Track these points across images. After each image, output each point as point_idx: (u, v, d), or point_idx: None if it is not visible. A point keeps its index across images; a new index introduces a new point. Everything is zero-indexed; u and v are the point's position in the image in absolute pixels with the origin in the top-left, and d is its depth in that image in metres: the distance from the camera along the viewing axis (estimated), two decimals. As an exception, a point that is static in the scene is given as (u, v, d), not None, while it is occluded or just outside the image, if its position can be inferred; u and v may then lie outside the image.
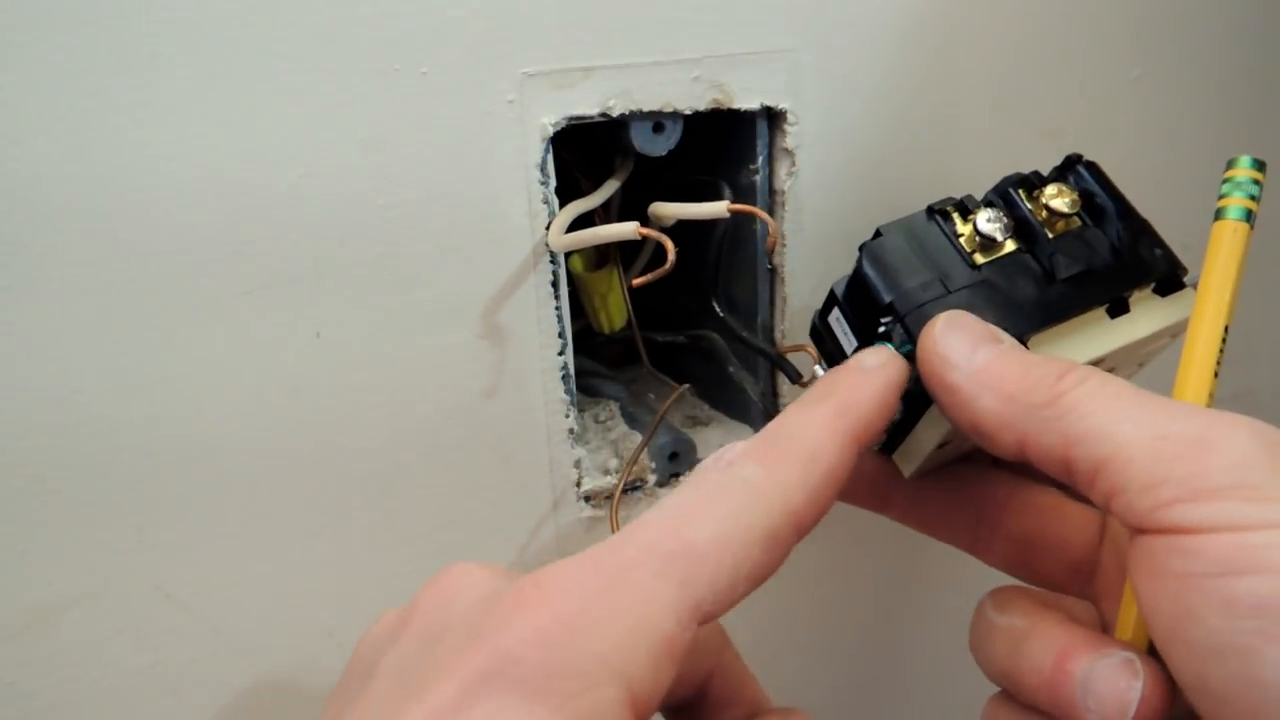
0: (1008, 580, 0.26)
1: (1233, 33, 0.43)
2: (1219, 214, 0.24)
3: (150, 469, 0.28)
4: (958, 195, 0.27)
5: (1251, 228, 0.24)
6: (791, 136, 0.33)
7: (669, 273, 0.28)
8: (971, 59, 0.36)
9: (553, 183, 0.31)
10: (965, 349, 0.22)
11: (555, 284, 0.31)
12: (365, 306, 0.29)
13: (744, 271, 0.36)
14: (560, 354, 0.32)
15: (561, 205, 0.31)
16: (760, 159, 0.34)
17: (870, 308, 0.25)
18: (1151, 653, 0.21)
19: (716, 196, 0.36)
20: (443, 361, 0.31)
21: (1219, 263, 0.24)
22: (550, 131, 0.30)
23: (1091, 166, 0.26)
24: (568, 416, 0.33)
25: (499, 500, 0.33)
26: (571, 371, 0.33)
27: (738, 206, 0.30)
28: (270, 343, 0.28)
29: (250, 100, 0.26)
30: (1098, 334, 0.25)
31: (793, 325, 0.36)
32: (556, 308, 0.32)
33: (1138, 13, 0.40)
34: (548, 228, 0.30)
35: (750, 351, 0.35)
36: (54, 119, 0.24)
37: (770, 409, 0.34)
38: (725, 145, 0.35)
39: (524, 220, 0.30)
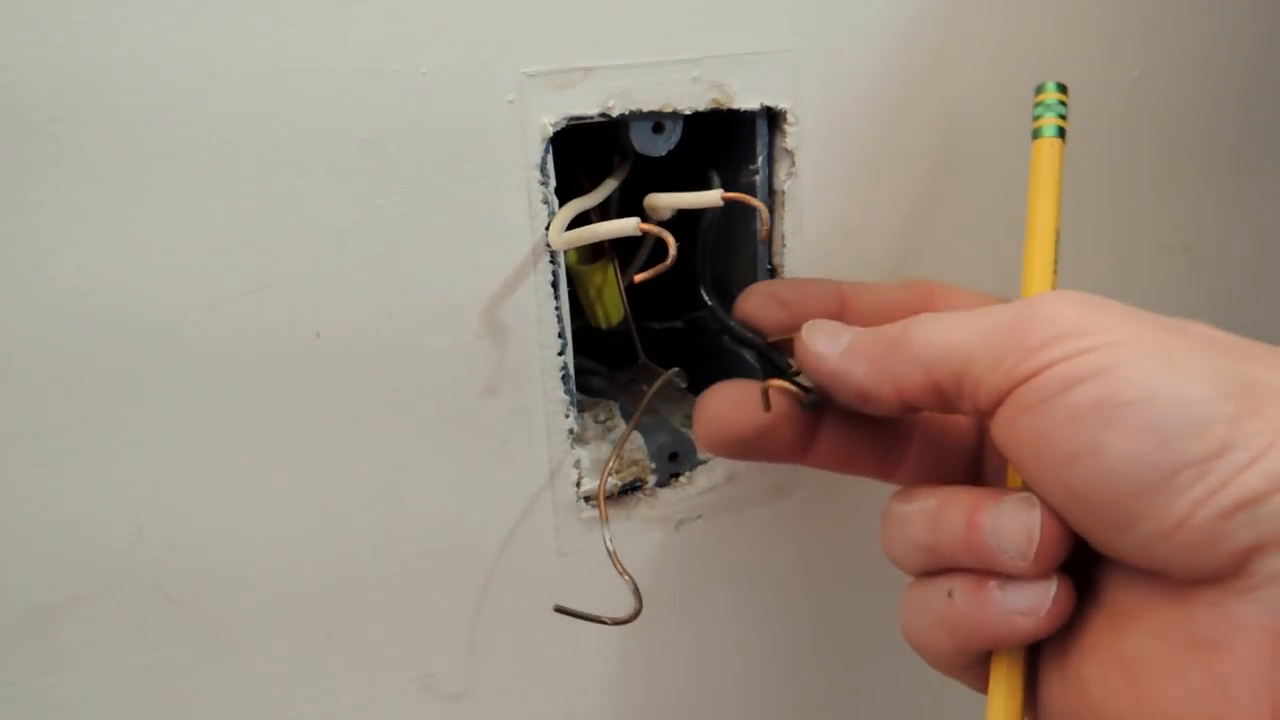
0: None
1: (1233, 33, 0.43)
2: (1036, 134, 0.28)
3: (150, 469, 0.28)
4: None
5: (1064, 142, 0.28)
6: (791, 136, 0.33)
7: (670, 268, 0.28)
8: (971, 59, 0.36)
9: (553, 183, 0.31)
10: (830, 342, 0.27)
11: (555, 284, 0.31)
12: (365, 307, 0.29)
13: (744, 272, 0.36)
14: (560, 354, 0.32)
15: (562, 205, 0.31)
16: (760, 159, 0.34)
17: None
18: None
19: (708, 187, 0.36)
20: (442, 362, 0.31)
21: (1042, 176, 0.28)
22: (550, 131, 0.30)
23: None
24: (568, 416, 0.33)
25: (499, 500, 0.33)
26: (571, 371, 0.33)
27: (732, 195, 0.30)
28: (270, 343, 0.28)
29: (245, 102, 0.26)
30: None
31: (793, 325, 0.36)
32: (556, 308, 0.32)
33: (1138, 13, 0.40)
34: (548, 227, 0.30)
35: (737, 342, 0.34)
36: (54, 119, 0.24)
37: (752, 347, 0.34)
38: (725, 145, 0.35)
39: (524, 220, 0.30)
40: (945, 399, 0.25)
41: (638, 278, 0.28)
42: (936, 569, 0.25)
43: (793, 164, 0.34)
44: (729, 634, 0.40)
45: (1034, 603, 0.23)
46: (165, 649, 0.29)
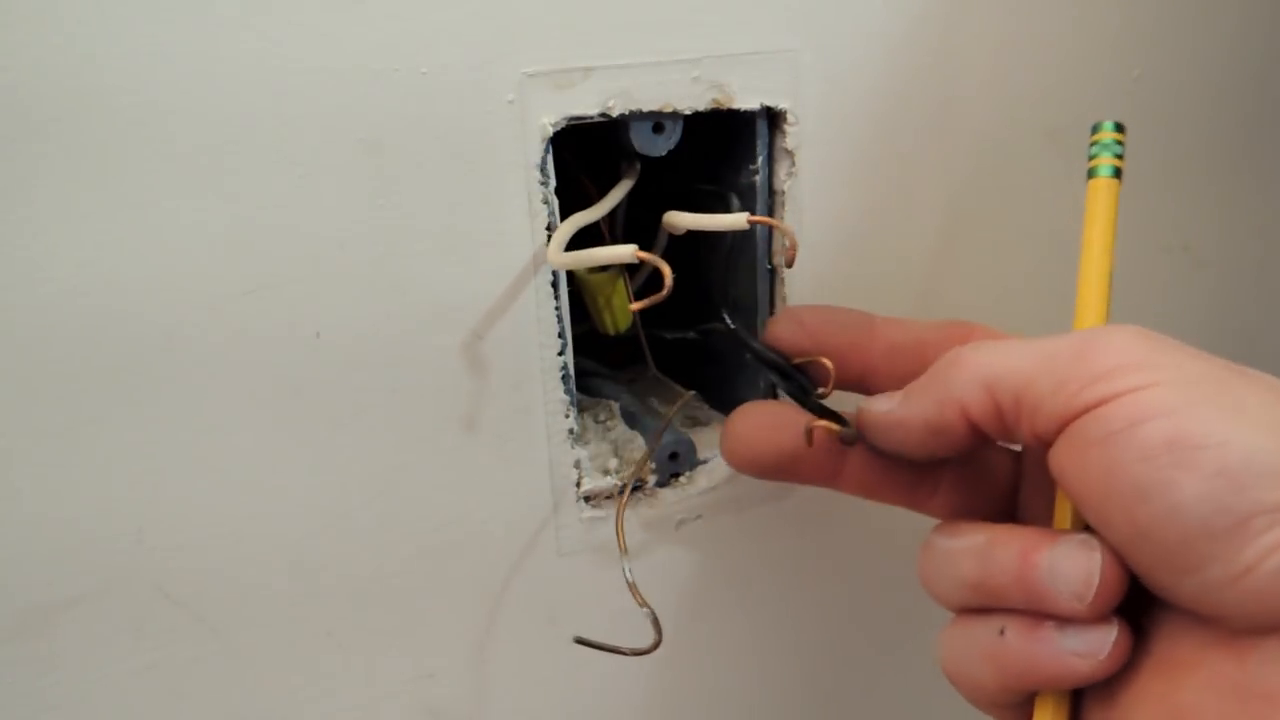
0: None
1: (1233, 33, 0.43)
2: (1092, 173, 0.28)
3: (150, 469, 0.28)
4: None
5: (1120, 182, 0.27)
6: (791, 136, 0.33)
7: (665, 298, 0.27)
8: (971, 59, 0.36)
9: (553, 183, 0.31)
10: (885, 399, 0.27)
11: (555, 284, 0.31)
12: (365, 307, 0.29)
13: (744, 272, 0.36)
14: (560, 354, 0.32)
15: (562, 206, 0.31)
16: (760, 159, 0.34)
17: None
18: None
19: (724, 206, 0.35)
20: (442, 361, 0.31)
21: (1098, 217, 0.27)
22: (550, 131, 0.30)
23: None
24: (568, 417, 0.33)
25: (498, 500, 0.33)
26: (571, 371, 0.33)
27: (759, 219, 0.30)
28: (270, 343, 0.28)
29: (245, 102, 0.26)
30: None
31: (793, 325, 0.36)
32: (556, 308, 0.32)
33: (1138, 13, 0.40)
34: (548, 241, 0.30)
35: (760, 362, 0.34)
36: (54, 119, 0.24)
37: (779, 383, 0.33)
38: (725, 145, 0.35)
39: (524, 220, 0.30)
40: (1004, 423, 0.24)
41: (633, 307, 0.28)
42: (981, 606, 0.25)
43: (793, 164, 0.34)
44: (730, 634, 0.40)
45: (1093, 646, 0.23)
46: (165, 649, 0.29)
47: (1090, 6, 0.38)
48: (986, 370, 0.24)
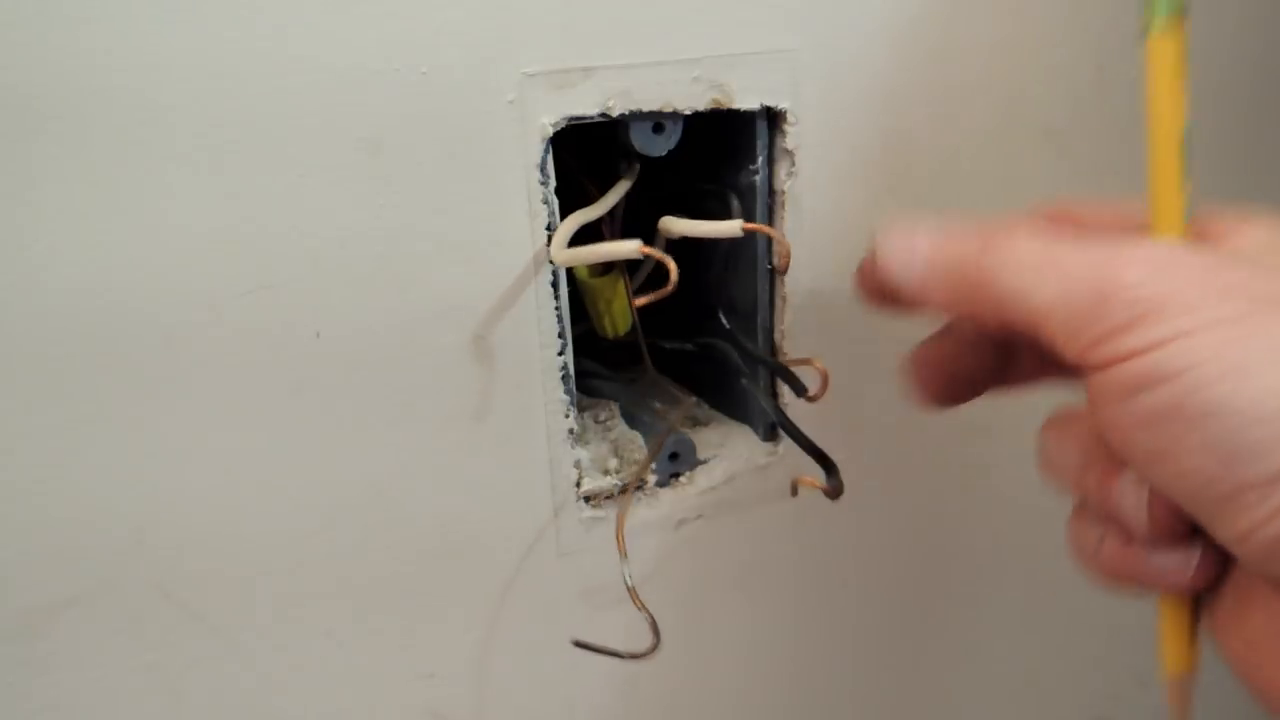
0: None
1: (1233, 32, 0.43)
2: (1146, 29, 0.24)
3: (150, 469, 0.28)
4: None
5: (1184, 21, 0.24)
6: (791, 136, 0.33)
7: (670, 293, 0.28)
8: (971, 59, 0.36)
9: (553, 183, 0.31)
10: (904, 264, 0.26)
11: (555, 284, 0.31)
12: (365, 307, 0.29)
13: (744, 271, 0.36)
14: (560, 354, 0.32)
15: (562, 206, 0.31)
16: (760, 159, 0.34)
17: None
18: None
19: (723, 205, 0.36)
20: (442, 361, 0.31)
21: (1161, 77, 0.24)
22: (550, 131, 0.30)
23: None
24: (568, 416, 0.33)
25: (499, 500, 0.33)
26: (571, 371, 0.33)
27: (752, 226, 0.30)
28: (269, 343, 0.28)
29: (245, 101, 0.26)
30: None
31: (793, 325, 0.36)
32: (556, 308, 0.32)
33: (1138, 12, 0.40)
34: (548, 242, 0.30)
35: (754, 363, 0.34)
36: (54, 119, 0.24)
37: (774, 414, 0.34)
38: (725, 145, 0.35)
39: (524, 220, 0.30)
40: (1016, 332, 0.24)
41: (637, 302, 0.28)
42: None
43: (793, 164, 0.34)
44: (729, 633, 0.40)
45: (1177, 565, 0.24)
46: (165, 649, 0.29)
47: (1088, 5, 0.38)
48: (1000, 293, 0.24)
